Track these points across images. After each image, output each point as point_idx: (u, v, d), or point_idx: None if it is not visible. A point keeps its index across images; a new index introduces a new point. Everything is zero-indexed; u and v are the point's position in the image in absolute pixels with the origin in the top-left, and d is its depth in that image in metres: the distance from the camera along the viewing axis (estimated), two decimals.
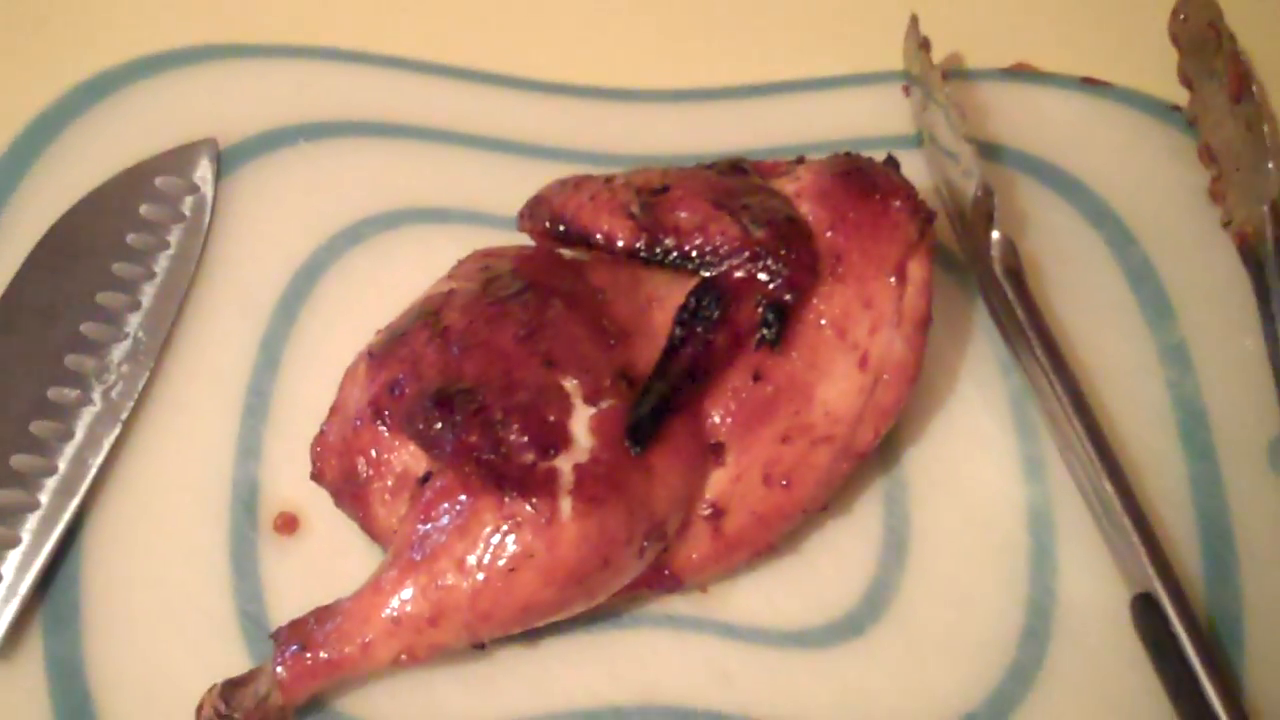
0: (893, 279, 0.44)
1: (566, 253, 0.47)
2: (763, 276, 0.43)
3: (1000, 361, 0.52)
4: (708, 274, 0.44)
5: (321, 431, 0.45)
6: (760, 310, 0.43)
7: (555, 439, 0.40)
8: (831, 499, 0.46)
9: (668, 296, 0.44)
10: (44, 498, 0.46)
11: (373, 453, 0.43)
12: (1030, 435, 0.50)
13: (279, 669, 0.41)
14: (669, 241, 0.44)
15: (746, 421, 0.43)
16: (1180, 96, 0.58)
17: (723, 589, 0.47)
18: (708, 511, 0.44)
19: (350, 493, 0.44)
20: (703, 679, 0.45)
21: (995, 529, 0.48)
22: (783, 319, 0.43)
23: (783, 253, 0.43)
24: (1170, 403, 0.51)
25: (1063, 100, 0.59)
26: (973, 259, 0.52)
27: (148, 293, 0.51)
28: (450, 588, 0.40)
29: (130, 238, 0.52)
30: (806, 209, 0.45)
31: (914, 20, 0.58)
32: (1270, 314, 0.51)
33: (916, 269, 0.44)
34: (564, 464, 0.40)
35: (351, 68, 0.59)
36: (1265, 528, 0.48)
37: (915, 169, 0.53)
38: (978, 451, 0.50)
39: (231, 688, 0.41)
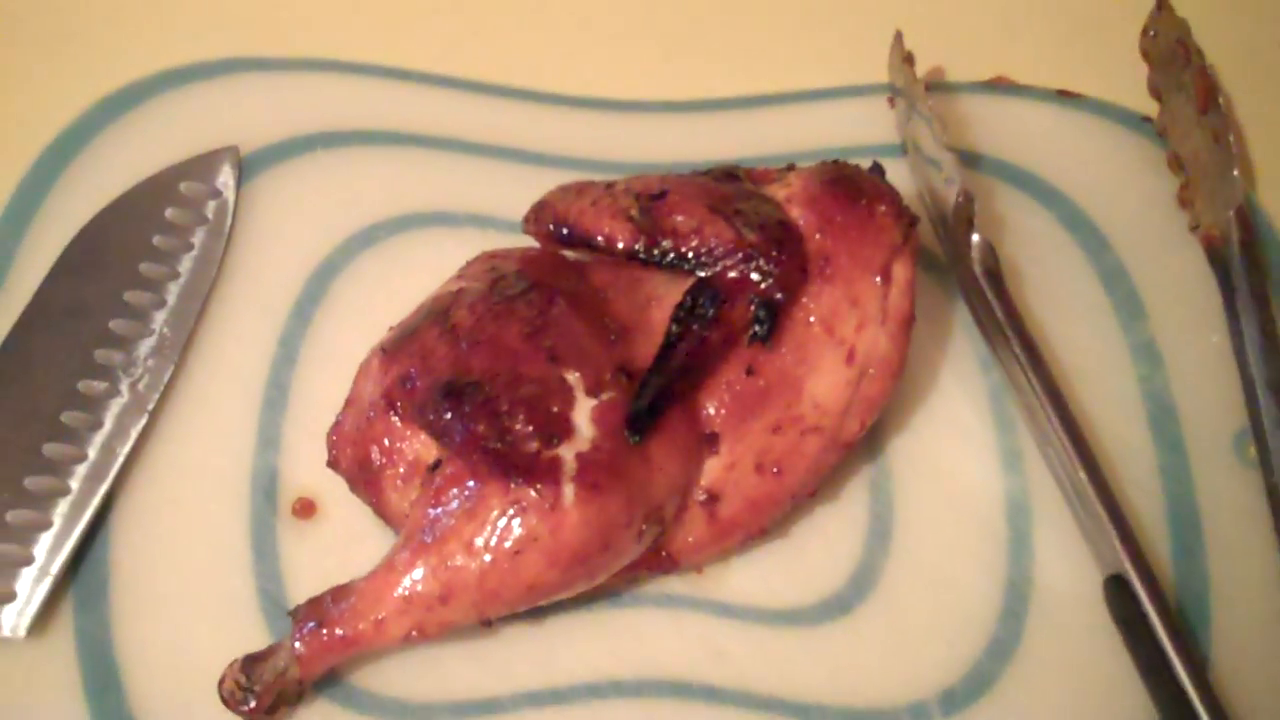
0: (878, 279, 0.45)
1: (569, 254, 0.48)
2: (755, 277, 0.44)
3: (980, 358, 0.52)
4: (703, 274, 0.44)
5: (337, 422, 0.46)
6: (753, 308, 0.44)
7: (558, 429, 0.41)
8: (820, 486, 0.47)
9: (665, 295, 0.45)
10: (74, 484, 0.47)
11: (386, 442, 0.44)
12: (1008, 428, 0.50)
13: (297, 644, 0.41)
14: (666, 244, 0.45)
15: (739, 413, 0.44)
16: (1150, 108, 0.59)
17: (717, 570, 0.47)
18: (703, 497, 0.44)
19: (364, 479, 0.45)
20: (698, 655, 0.46)
21: (975, 515, 0.49)
22: (774, 317, 0.44)
23: (774, 254, 0.44)
24: (1141, 397, 0.51)
25: (1039, 112, 0.60)
26: (954, 261, 0.53)
27: (172, 292, 0.52)
28: (459, 568, 0.41)
29: (156, 240, 0.53)
30: (797, 213, 0.45)
31: (899, 36, 0.59)
32: (1236, 312, 0.52)
33: (900, 270, 0.45)
34: (567, 452, 0.41)
35: (366, 80, 0.59)
36: (1230, 514, 0.49)
37: (900, 176, 0.53)
38: (959, 443, 0.50)
39: (252, 662, 0.42)
